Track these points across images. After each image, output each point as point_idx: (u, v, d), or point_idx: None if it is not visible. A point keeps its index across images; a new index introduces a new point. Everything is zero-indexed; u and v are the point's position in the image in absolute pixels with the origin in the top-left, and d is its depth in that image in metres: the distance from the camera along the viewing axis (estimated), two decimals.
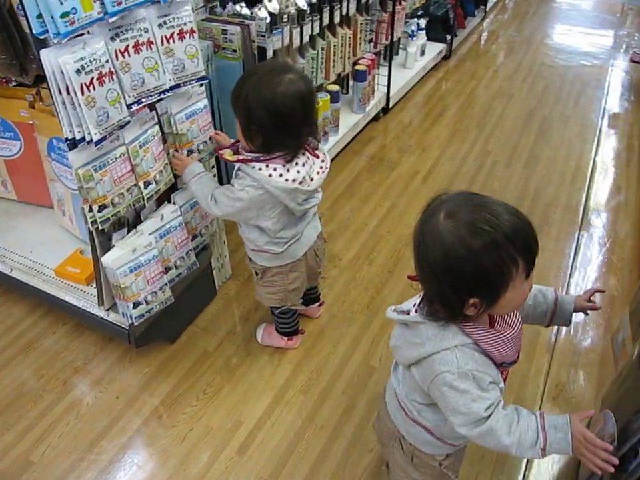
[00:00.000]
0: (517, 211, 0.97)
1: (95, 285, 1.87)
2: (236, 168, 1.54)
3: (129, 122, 1.42)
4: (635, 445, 0.98)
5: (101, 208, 1.47)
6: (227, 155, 1.55)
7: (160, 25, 1.43)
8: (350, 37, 2.98)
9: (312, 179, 1.52)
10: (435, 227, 0.96)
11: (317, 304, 2.09)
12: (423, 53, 3.82)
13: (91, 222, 1.48)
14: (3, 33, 1.76)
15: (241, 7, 2.32)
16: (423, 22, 3.77)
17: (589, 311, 1.21)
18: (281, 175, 1.45)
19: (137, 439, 1.75)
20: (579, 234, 2.53)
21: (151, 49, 1.44)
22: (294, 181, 1.46)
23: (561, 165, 2.99)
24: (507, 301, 0.98)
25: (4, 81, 2.12)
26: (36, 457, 1.70)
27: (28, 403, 1.85)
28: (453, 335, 1.02)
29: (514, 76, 3.95)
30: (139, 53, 1.42)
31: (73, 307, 1.91)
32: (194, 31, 1.54)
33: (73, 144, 1.37)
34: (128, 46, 1.39)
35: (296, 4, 2.48)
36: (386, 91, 3.33)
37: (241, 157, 1.50)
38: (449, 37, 4.06)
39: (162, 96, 1.50)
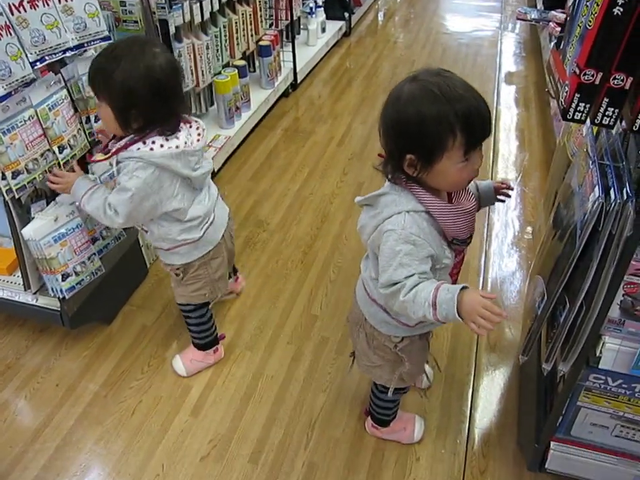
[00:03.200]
0: (476, 92, 1.04)
1: (17, 274, 1.79)
2: (114, 165, 1.41)
3: (34, 80, 1.38)
4: (562, 297, 1.07)
5: (15, 174, 1.41)
6: (98, 157, 1.45)
7: None
8: (250, 14, 3.00)
9: (192, 144, 1.44)
10: (398, 88, 1.07)
11: (233, 279, 2.00)
12: (323, 30, 3.91)
13: (6, 190, 1.41)
14: None
15: None
16: (320, 0, 3.85)
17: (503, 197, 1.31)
18: (162, 146, 1.37)
19: (83, 420, 1.68)
20: (492, 172, 2.70)
21: (48, 5, 1.41)
22: (177, 147, 1.39)
23: None
24: (443, 173, 1.05)
25: None
26: None
27: None
28: (407, 201, 1.08)
29: (413, 45, 4.12)
30: (35, 9, 1.38)
31: None
32: None
33: None
34: (23, 1, 1.34)
35: None
36: (292, 67, 3.38)
37: (114, 149, 1.39)
38: (346, 14, 4.18)
39: (66, 54, 1.46)
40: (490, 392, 1.73)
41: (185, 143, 1.41)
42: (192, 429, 1.64)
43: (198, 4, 2.53)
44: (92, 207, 1.44)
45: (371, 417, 1.58)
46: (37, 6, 1.37)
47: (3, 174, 1.40)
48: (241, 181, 2.68)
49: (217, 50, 2.78)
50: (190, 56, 2.55)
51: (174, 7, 2.35)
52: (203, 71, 2.65)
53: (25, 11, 1.34)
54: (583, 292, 1.02)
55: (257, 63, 3.24)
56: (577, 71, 0.85)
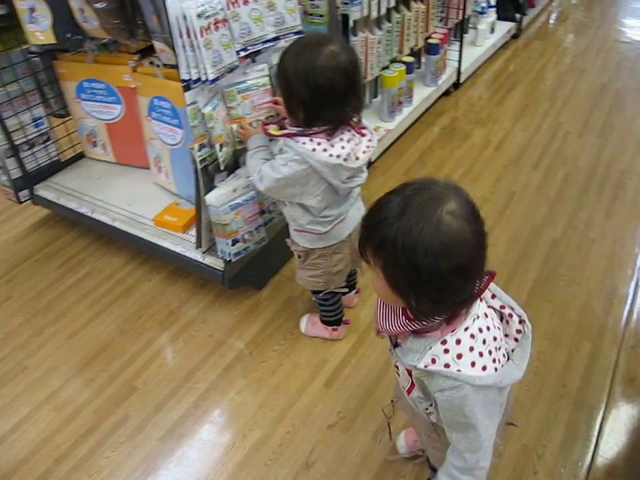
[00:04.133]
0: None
1: (191, 232, 2.03)
2: (280, 143, 1.49)
3: (237, 67, 1.56)
4: None
5: (221, 146, 1.62)
6: (272, 129, 1.51)
7: None
8: (423, 12, 3.05)
9: (357, 158, 1.47)
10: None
11: (354, 292, 2.04)
12: (492, 30, 3.84)
13: (200, 160, 1.62)
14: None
15: None
16: (493, 0, 3.79)
17: None
18: (325, 150, 1.40)
19: (230, 371, 1.89)
20: None
21: (256, 1, 1.58)
22: (338, 156, 1.41)
23: (637, 136, 2.96)
24: None
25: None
26: (140, 384, 1.86)
27: (130, 339, 2.02)
28: None
29: (585, 52, 3.92)
30: (247, 5, 1.55)
31: (171, 253, 2.07)
32: None
33: (187, 86, 1.51)
34: None
35: None
36: (457, 67, 3.38)
37: (285, 132, 1.46)
38: (518, 16, 4.07)
39: (265, 45, 1.63)
40: (620, 424, 1.68)
41: (349, 154, 1.43)
42: (323, 398, 1.77)
43: (377, 0, 2.64)
44: (250, 163, 1.58)
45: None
46: (248, 2, 1.55)
47: (202, 145, 1.60)
48: (394, 173, 2.76)
49: (387, 45, 2.87)
50: (362, 49, 2.66)
51: (355, 2, 2.48)
52: (372, 64, 2.76)
53: (239, 6, 1.52)
54: None
55: (423, 60, 3.29)
56: None
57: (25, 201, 2.46)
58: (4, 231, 2.58)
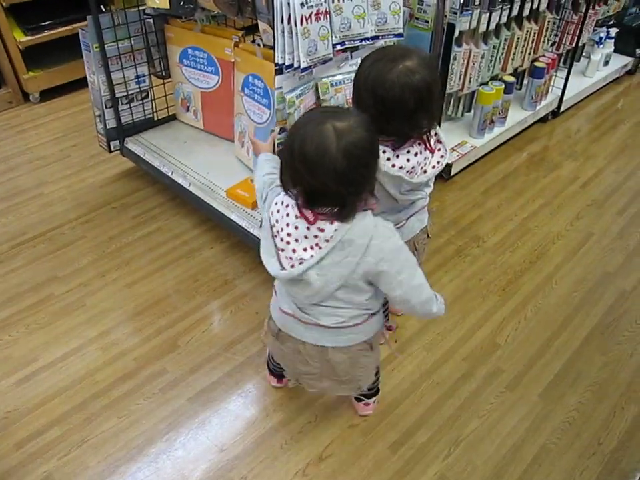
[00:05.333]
0: None
1: (259, 211, 2.08)
2: None
3: (331, 59, 1.58)
4: None
5: None
6: None
7: None
8: (535, 33, 2.96)
9: (425, 172, 1.44)
10: None
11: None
12: (606, 63, 3.66)
13: (278, 143, 1.66)
14: None
15: None
16: (613, 31, 3.61)
17: None
18: (388, 159, 1.38)
19: (265, 351, 1.93)
20: None
21: None
22: (401, 168, 1.38)
23: None
24: None
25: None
26: (182, 343, 1.95)
27: (182, 299, 2.11)
28: None
29: None
30: (352, 0, 1.57)
31: (236, 226, 2.14)
32: None
33: (280, 70, 1.55)
34: None
35: None
36: (560, 94, 3.26)
37: None
38: (638, 52, 3.85)
39: (363, 42, 1.64)
40: None
41: (413, 168, 1.40)
42: (349, 399, 1.78)
43: (488, 14, 2.58)
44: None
45: (369, 397, 1.70)
46: None
47: (283, 129, 1.65)
48: (472, 191, 2.71)
49: (491, 61, 2.81)
50: (464, 61, 2.62)
51: (464, 12, 2.44)
52: (471, 78, 2.71)
53: (344, 0, 1.54)
54: None
55: (525, 82, 3.19)
56: None
57: (114, 151, 2.61)
58: (91, 175, 2.75)
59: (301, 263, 1.22)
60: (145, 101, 2.59)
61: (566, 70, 3.23)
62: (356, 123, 1.12)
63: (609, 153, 3.07)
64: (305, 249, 1.21)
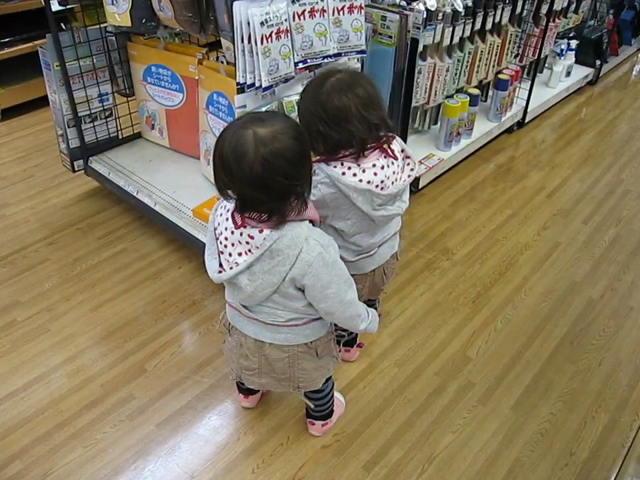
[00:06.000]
0: None
1: None
2: (314, 166, 1.41)
3: (293, 77, 1.57)
4: None
5: None
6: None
7: None
8: (498, 46, 3.01)
9: (395, 182, 1.43)
10: None
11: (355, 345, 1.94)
12: (568, 74, 3.74)
13: None
14: None
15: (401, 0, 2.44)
16: (573, 43, 3.70)
17: None
18: (354, 175, 1.36)
19: None
20: None
21: (323, 16, 1.59)
22: (369, 182, 1.37)
23: None
24: None
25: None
26: (150, 367, 1.90)
27: (149, 321, 2.06)
28: None
29: None
30: (312, 18, 1.57)
31: (204, 245, 2.09)
32: (362, 8, 1.67)
33: (242, 89, 1.54)
34: (305, 10, 1.55)
35: (452, 4, 2.56)
36: (524, 105, 3.31)
37: (317, 158, 1.41)
38: (598, 62, 3.95)
39: (325, 60, 1.64)
40: None
41: (382, 182, 1.39)
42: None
43: (451, 28, 2.62)
44: None
45: (318, 419, 1.69)
46: (315, 16, 1.56)
47: None
48: (440, 204, 2.73)
49: (456, 74, 2.84)
50: (429, 74, 2.64)
51: (428, 27, 2.46)
52: (436, 91, 2.73)
53: (304, 19, 1.54)
54: None
55: (490, 94, 3.23)
56: None
57: (78, 171, 2.57)
58: (54, 195, 2.69)
59: (232, 268, 1.24)
60: (108, 119, 2.55)
61: (529, 81, 3.29)
62: (281, 130, 1.10)
63: (573, 162, 3.12)
64: (239, 254, 1.23)
